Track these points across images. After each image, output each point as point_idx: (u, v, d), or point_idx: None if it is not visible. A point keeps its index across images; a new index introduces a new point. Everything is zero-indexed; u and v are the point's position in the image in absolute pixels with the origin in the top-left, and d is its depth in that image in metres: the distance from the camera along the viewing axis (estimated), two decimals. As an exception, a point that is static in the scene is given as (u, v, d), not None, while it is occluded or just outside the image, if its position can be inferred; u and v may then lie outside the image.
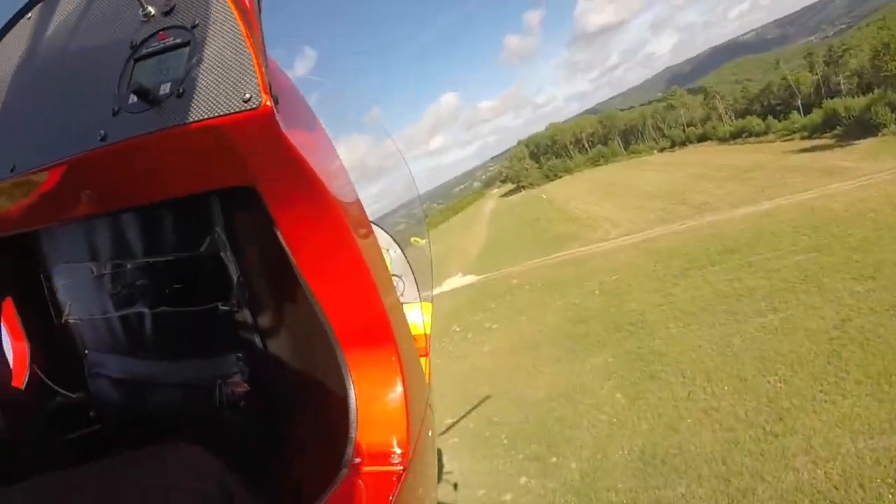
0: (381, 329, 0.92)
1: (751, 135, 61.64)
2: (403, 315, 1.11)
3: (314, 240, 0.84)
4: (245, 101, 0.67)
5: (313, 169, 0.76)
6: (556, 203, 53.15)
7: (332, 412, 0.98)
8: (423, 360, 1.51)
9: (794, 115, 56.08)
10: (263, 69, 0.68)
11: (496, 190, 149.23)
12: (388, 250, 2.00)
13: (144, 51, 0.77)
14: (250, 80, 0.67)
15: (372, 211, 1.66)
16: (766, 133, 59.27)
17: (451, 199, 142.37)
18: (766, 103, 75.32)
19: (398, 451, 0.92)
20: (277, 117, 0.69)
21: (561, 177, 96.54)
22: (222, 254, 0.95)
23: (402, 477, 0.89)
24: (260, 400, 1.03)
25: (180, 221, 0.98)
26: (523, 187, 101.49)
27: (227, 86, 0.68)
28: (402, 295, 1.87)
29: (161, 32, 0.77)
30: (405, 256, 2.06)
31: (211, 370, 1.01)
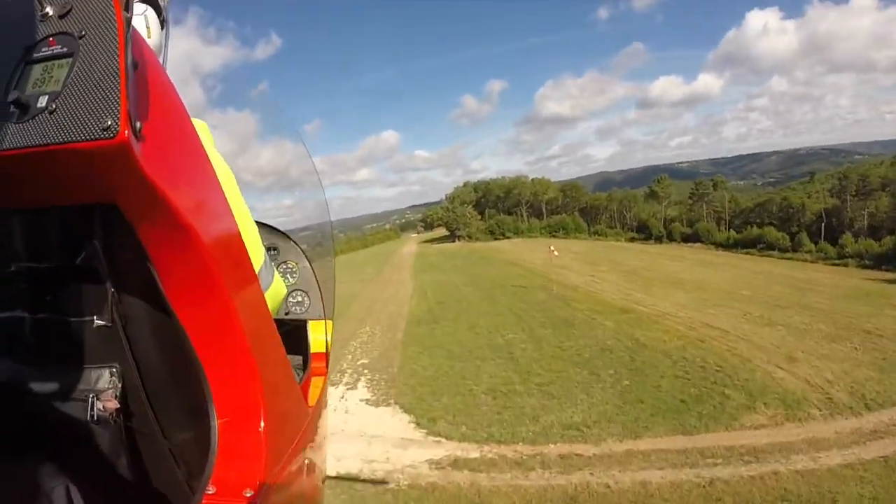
0: (243, 358, 0.95)
1: (770, 247, 51.48)
2: (276, 340, 1.12)
3: (175, 265, 0.88)
4: (104, 130, 0.68)
5: (173, 200, 0.79)
6: (535, 266, 35.97)
7: (196, 438, 1.01)
8: (318, 379, 1.67)
9: (846, 238, 45.75)
10: (127, 97, 0.70)
11: (416, 234, 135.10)
12: (297, 264, 2.10)
13: (35, 55, 0.77)
14: (113, 107, 0.69)
15: (278, 223, 2.13)
16: (793, 249, 49.23)
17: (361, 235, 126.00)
18: (760, 220, 67.95)
19: (252, 483, 0.95)
20: (136, 147, 0.71)
21: (509, 237, 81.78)
22: (98, 267, 0.96)
23: None
24: (129, 418, 1.05)
25: (64, 230, 0.99)
26: (460, 237, 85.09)
27: (92, 110, 0.70)
28: (306, 311, 2.01)
29: (52, 38, 0.77)
30: (313, 272, 2.10)
31: (85, 383, 1.03)
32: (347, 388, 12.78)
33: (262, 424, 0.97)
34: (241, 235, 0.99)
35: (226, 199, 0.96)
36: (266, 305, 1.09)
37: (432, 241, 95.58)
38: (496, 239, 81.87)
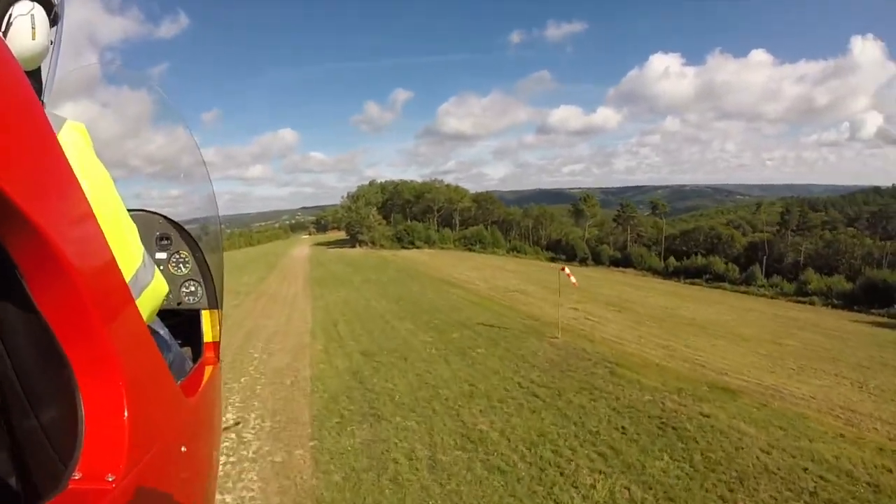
0: (105, 353, 1.00)
1: (717, 278, 47.91)
2: (143, 336, 1.17)
3: (36, 271, 0.91)
4: None
5: (27, 209, 0.83)
6: (479, 288, 27.14)
7: (69, 429, 1.05)
8: (209, 368, 1.81)
9: (809, 274, 42.88)
10: None
11: (307, 236, 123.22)
12: (189, 254, 2.15)
13: None
14: None
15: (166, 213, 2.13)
16: (745, 283, 45.88)
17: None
18: (686, 248, 66.40)
19: (115, 469, 1.00)
20: None
21: (419, 247, 72.81)
22: None
23: (113, 496, 0.97)
24: (7, 411, 1.10)
25: None
26: (362, 242, 74.38)
27: None
28: (199, 300, 2.10)
29: None
30: (206, 262, 2.15)
31: None
32: None
33: (126, 413, 1.02)
34: (105, 241, 1.02)
35: (89, 206, 0.98)
36: (132, 303, 1.12)
37: (328, 244, 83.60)
38: (404, 248, 72.48)
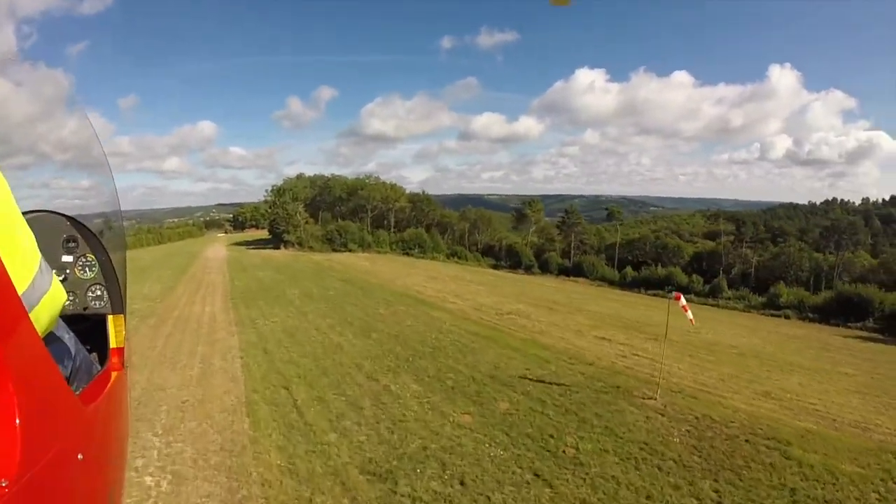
0: None
1: (679, 290, 44.99)
2: (35, 346, 1.18)
3: None
4: None
5: None
6: (463, 308, 21.11)
7: None
8: (113, 374, 1.78)
9: (780, 287, 40.75)
10: None
11: (223, 234, 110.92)
12: (95, 257, 2.10)
13: None
14: None
15: (62, 207, 2.00)
16: (711, 295, 43.25)
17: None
18: (632, 256, 64.40)
19: (8, 474, 1.04)
20: None
21: (353, 250, 65.34)
22: None
23: (6, 499, 1.01)
24: None
25: None
26: (288, 243, 65.52)
27: None
28: (105, 305, 2.06)
29: None
30: (112, 265, 2.12)
31: None
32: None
33: (18, 421, 1.06)
34: None
35: None
36: (24, 312, 1.13)
37: (246, 243, 73.69)
38: (336, 250, 64.73)
